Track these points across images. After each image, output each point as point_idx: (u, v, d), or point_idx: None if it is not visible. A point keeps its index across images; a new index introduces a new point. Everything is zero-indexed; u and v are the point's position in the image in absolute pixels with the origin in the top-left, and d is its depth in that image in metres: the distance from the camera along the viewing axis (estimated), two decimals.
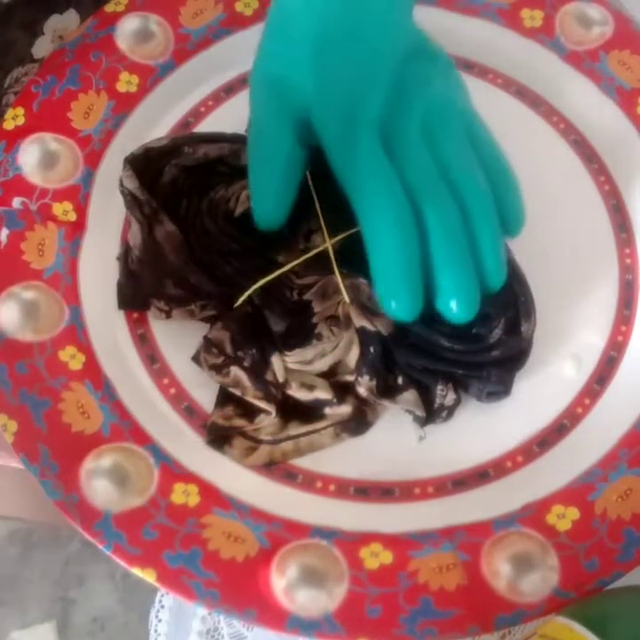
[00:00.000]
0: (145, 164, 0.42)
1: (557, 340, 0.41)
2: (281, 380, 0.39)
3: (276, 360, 0.39)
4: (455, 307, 0.35)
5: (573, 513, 0.36)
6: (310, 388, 0.39)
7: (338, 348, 0.39)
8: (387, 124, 0.36)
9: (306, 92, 0.37)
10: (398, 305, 0.35)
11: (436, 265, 0.35)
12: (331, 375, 0.39)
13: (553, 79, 0.46)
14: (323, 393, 0.39)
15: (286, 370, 0.39)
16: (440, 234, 0.35)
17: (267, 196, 0.38)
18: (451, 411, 0.39)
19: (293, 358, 0.39)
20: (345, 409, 0.39)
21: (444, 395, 0.38)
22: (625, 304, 0.42)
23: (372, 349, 0.38)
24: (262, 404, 0.38)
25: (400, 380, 0.39)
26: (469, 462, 0.39)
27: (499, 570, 0.35)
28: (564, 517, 0.36)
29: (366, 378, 0.38)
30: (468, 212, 0.35)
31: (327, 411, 0.39)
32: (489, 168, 0.37)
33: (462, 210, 0.35)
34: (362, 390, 0.39)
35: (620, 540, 0.35)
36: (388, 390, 0.39)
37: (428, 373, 0.39)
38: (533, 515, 0.36)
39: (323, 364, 0.39)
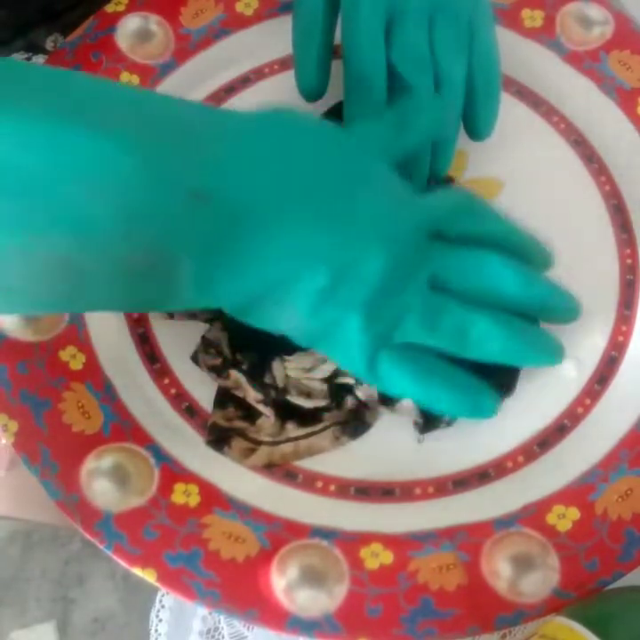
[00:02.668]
0: None
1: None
2: (281, 385, 0.39)
3: (276, 366, 0.39)
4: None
5: (574, 513, 0.36)
6: (309, 395, 0.39)
7: None
8: None
9: None
10: None
11: None
12: (331, 377, 0.39)
13: (553, 79, 0.46)
14: (321, 401, 0.39)
15: (286, 376, 0.39)
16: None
17: (310, 65, 0.41)
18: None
19: (293, 364, 0.39)
20: (343, 413, 0.39)
21: None
22: (625, 304, 0.42)
23: None
24: (261, 408, 0.38)
25: None
26: (470, 462, 0.39)
27: (499, 570, 0.35)
28: (564, 517, 0.36)
29: (366, 384, 0.38)
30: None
31: (325, 414, 0.39)
32: (476, 70, 0.40)
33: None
34: (361, 395, 0.39)
35: (620, 541, 0.35)
36: (386, 397, 0.39)
37: None
38: (534, 515, 0.36)
39: (324, 371, 0.39)
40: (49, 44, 0.49)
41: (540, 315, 0.37)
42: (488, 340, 0.34)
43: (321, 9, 0.40)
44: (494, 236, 0.35)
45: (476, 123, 0.42)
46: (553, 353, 0.36)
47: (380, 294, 0.32)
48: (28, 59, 0.49)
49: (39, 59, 0.50)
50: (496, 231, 0.36)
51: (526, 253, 0.36)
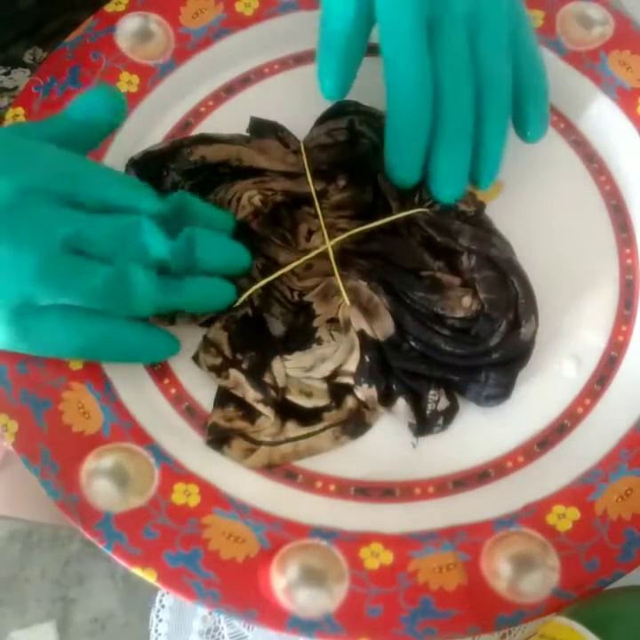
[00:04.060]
0: (146, 165, 0.42)
1: (557, 340, 0.41)
2: (281, 385, 0.39)
3: (276, 365, 0.39)
4: (440, 188, 0.40)
5: (574, 513, 0.36)
6: (309, 394, 0.39)
7: (338, 352, 0.39)
8: (436, 3, 0.37)
9: None
10: (400, 164, 0.39)
11: (438, 144, 0.38)
12: (331, 377, 0.39)
13: (553, 79, 0.46)
14: (321, 400, 0.39)
15: (286, 376, 0.39)
16: (448, 117, 0.38)
17: (331, 70, 0.41)
18: (447, 417, 0.38)
19: (293, 363, 0.39)
20: (343, 413, 0.39)
21: (436, 400, 0.38)
22: (625, 304, 0.42)
23: (368, 358, 0.38)
24: (260, 407, 0.38)
25: (394, 388, 0.39)
26: (470, 462, 0.39)
27: (499, 570, 0.35)
28: (564, 517, 0.36)
29: (365, 386, 0.38)
30: (483, 105, 0.38)
31: (325, 414, 0.39)
32: (521, 71, 0.39)
33: (479, 101, 0.38)
34: (360, 396, 0.39)
35: (620, 541, 0.35)
36: (385, 398, 0.39)
37: (420, 379, 0.38)
38: (534, 515, 0.36)
39: (324, 370, 0.39)
40: (28, 57, 0.49)
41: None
42: (139, 289, 0.35)
43: (351, 12, 0.38)
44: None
45: (526, 125, 0.41)
46: (222, 297, 0.38)
47: None
48: (7, 73, 0.49)
49: (18, 73, 0.49)
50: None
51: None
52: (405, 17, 0.37)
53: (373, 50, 0.48)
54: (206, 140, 0.43)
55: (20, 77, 0.49)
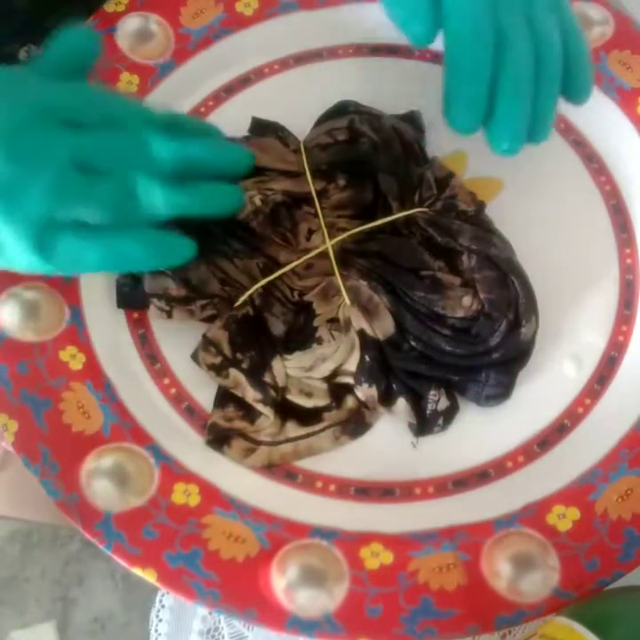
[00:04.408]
0: None
1: (557, 340, 0.41)
2: (281, 384, 0.39)
3: (276, 365, 0.39)
4: (502, 139, 0.39)
5: (574, 513, 0.36)
6: (309, 394, 0.39)
7: (338, 352, 0.39)
8: None
9: None
10: (459, 113, 0.39)
11: (500, 97, 0.38)
12: (331, 376, 0.39)
13: None
14: (321, 400, 0.39)
15: (286, 375, 0.39)
16: (512, 72, 0.38)
17: (419, 15, 0.39)
18: (447, 418, 0.39)
19: (293, 363, 0.39)
20: (343, 413, 0.39)
21: (437, 400, 0.38)
22: (625, 304, 0.42)
23: (368, 357, 0.38)
24: (260, 407, 0.38)
25: (395, 387, 0.39)
26: (470, 462, 0.39)
27: (499, 570, 0.35)
28: (564, 517, 0.36)
29: (365, 385, 0.38)
30: (540, 65, 0.39)
31: (325, 414, 0.39)
32: (568, 39, 0.40)
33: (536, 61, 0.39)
34: (361, 396, 0.39)
35: (620, 540, 0.35)
36: (386, 398, 0.39)
37: (420, 379, 0.39)
38: (534, 515, 0.36)
39: (324, 370, 0.39)
40: (22, 54, 0.49)
41: (215, 171, 0.39)
42: (148, 194, 0.35)
43: None
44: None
45: (576, 85, 0.41)
46: (230, 198, 0.39)
47: (6, 185, 0.33)
48: None
49: None
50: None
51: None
52: None
53: (375, 51, 0.48)
54: None
55: None
